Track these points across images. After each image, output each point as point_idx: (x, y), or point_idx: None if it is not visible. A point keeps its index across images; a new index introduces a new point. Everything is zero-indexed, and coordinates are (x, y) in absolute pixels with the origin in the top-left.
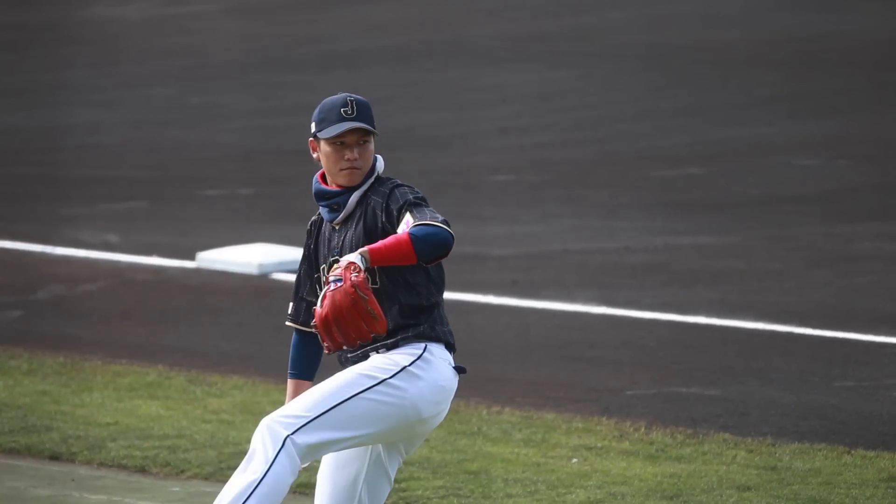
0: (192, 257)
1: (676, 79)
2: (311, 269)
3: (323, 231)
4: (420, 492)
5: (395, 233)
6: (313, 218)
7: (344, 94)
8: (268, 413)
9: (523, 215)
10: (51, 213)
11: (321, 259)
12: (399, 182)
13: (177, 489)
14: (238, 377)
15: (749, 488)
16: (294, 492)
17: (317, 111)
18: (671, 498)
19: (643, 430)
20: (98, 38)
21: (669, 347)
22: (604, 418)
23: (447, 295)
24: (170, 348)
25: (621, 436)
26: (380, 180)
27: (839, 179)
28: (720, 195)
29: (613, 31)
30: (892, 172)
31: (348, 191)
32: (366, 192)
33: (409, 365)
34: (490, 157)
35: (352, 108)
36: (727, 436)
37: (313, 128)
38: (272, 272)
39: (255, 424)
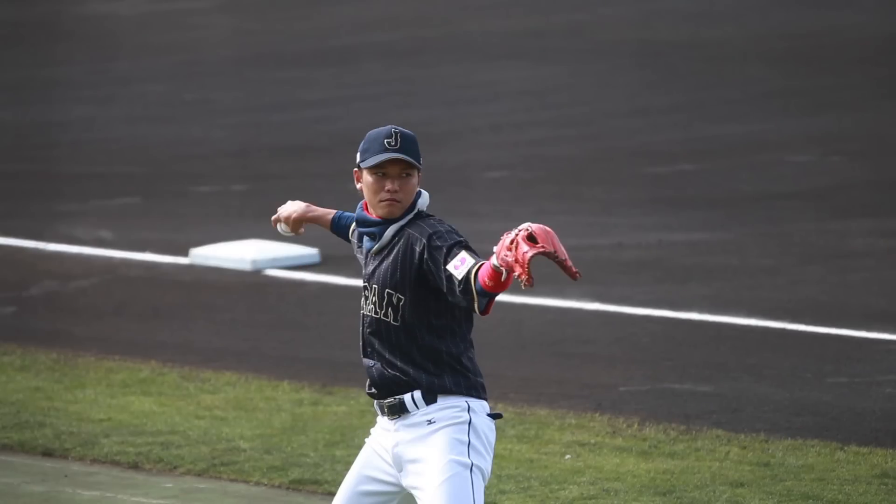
0: (185, 253)
1: (670, 75)
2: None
3: (365, 248)
4: None
5: (436, 271)
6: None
7: (389, 126)
8: (260, 409)
9: (516, 212)
10: (44, 210)
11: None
12: (440, 220)
13: (169, 485)
14: (231, 373)
15: (742, 484)
16: (287, 488)
17: (362, 142)
18: (664, 494)
19: (636, 426)
20: (92, 34)
21: (662, 344)
22: (597, 414)
23: None
24: (163, 344)
25: (614, 432)
26: (420, 215)
27: (832, 176)
28: (713, 192)
29: (607, 28)
30: (885, 169)
31: (386, 222)
32: (403, 226)
33: (469, 444)
34: (483, 154)
35: (396, 139)
36: (720, 432)
37: (357, 158)
38: (265, 268)
39: (248, 420)
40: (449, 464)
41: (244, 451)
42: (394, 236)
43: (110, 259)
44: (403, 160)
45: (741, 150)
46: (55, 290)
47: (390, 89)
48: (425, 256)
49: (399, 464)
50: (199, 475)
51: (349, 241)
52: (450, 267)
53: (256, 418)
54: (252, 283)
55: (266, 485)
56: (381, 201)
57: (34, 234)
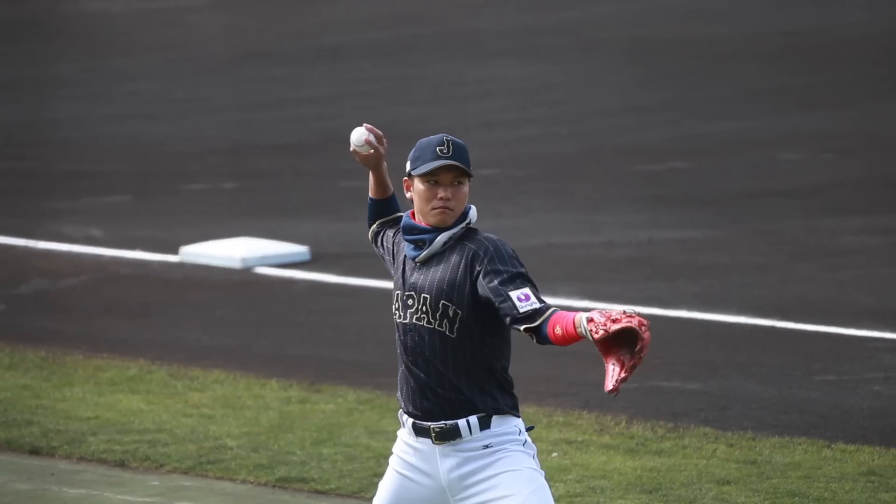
0: (175, 251)
1: (661, 73)
2: (385, 260)
3: (404, 255)
4: None
5: (493, 292)
6: (391, 231)
7: (441, 134)
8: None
9: (507, 209)
10: (34, 207)
11: (393, 281)
12: (500, 238)
13: (156, 483)
14: (219, 371)
15: (728, 482)
16: (274, 486)
17: (412, 150)
18: (651, 492)
19: (624, 424)
20: (83, 32)
21: (652, 341)
22: (584, 412)
23: None
24: (151, 342)
25: (602, 430)
26: (472, 230)
27: (824, 174)
28: (704, 189)
29: (598, 26)
30: (876, 167)
31: (437, 231)
32: (459, 237)
33: (533, 457)
34: (474, 152)
35: (448, 147)
36: (707, 430)
37: (408, 166)
38: (255, 266)
39: (236, 418)
40: (530, 473)
41: (231, 449)
42: (445, 245)
43: (100, 257)
44: (456, 167)
45: (732, 147)
46: (44, 289)
47: (382, 87)
48: (482, 276)
49: (456, 489)
50: (185, 473)
51: (373, 227)
52: (513, 295)
53: (244, 416)
54: (241, 281)
55: (252, 483)
56: (433, 209)
57: (24, 232)
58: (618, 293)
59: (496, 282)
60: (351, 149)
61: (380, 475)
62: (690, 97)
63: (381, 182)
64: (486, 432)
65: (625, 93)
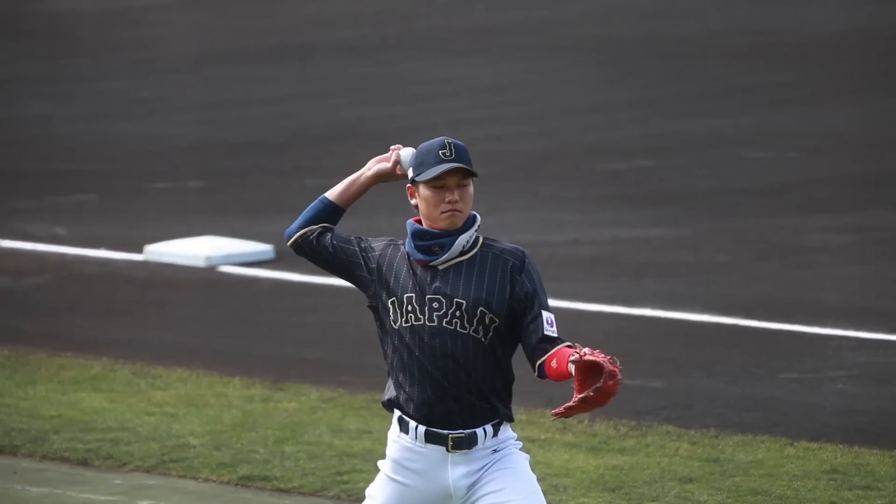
0: (139, 250)
1: (628, 72)
2: (348, 261)
3: (403, 264)
4: (363, 484)
5: (522, 309)
6: (378, 243)
7: (441, 138)
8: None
9: (472, 207)
10: None
11: (392, 287)
12: (525, 249)
13: (119, 482)
14: (182, 370)
15: (691, 480)
16: (237, 484)
17: (413, 156)
18: (613, 490)
19: (586, 422)
20: (51, 30)
21: (616, 340)
22: (547, 410)
23: None
24: (115, 341)
25: (564, 428)
26: (490, 238)
27: (789, 172)
28: (670, 188)
29: (566, 24)
30: (841, 165)
31: (452, 234)
32: (483, 244)
33: (529, 462)
34: None
35: (450, 149)
36: (670, 428)
37: (410, 173)
38: (219, 265)
39: (199, 417)
40: (530, 475)
41: (194, 447)
42: (464, 248)
43: (64, 256)
44: (462, 169)
45: (698, 146)
46: (8, 287)
47: (349, 86)
48: (519, 290)
49: (462, 494)
50: (148, 472)
51: (314, 227)
52: (545, 316)
53: (207, 415)
54: (206, 279)
55: (215, 481)
56: (442, 213)
57: None
58: (582, 291)
59: (532, 300)
60: (396, 168)
61: (342, 473)
62: (657, 96)
63: (359, 196)
64: (495, 439)
65: (591, 91)
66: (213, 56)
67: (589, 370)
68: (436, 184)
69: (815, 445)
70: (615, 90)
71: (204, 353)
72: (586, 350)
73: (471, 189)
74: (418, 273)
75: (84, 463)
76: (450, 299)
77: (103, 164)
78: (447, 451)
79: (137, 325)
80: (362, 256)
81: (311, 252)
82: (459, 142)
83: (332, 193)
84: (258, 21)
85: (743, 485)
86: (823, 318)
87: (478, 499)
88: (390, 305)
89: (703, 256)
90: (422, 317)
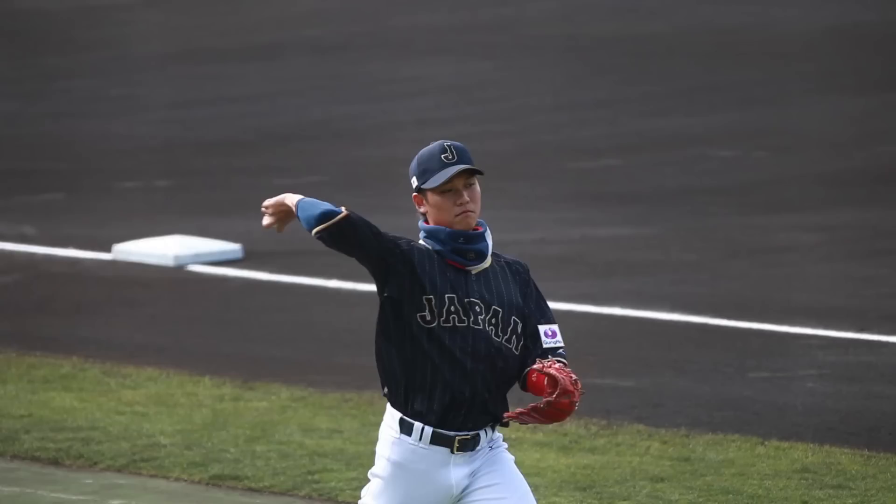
0: (108, 249)
1: (595, 70)
2: (386, 249)
3: (434, 263)
4: (333, 483)
5: (528, 318)
6: (401, 238)
7: (439, 142)
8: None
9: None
10: None
11: (430, 284)
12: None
13: (90, 481)
14: (152, 369)
15: (662, 479)
16: (208, 484)
17: (414, 165)
18: (584, 489)
19: None
20: (17, 29)
21: (585, 339)
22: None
23: (366, 287)
24: (85, 340)
25: (535, 427)
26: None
27: (757, 171)
28: (638, 186)
29: (533, 23)
30: (809, 164)
31: (482, 239)
32: (492, 252)
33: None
34: (408, 149)
35: (451, 152)
36: (641, 427)
37: (415, 182)
38: (188, 264)
39: (169, 416)
40: (523, 479)
41: (164, 446)
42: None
43: (33, 255)
44: (468, 170)
45: (666, 144)
46: None
47: (316, 84)
48: (527, 300)
49: (461, 490)
50: (119, 471)
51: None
52: (542, 329)
53: (177, 414)
54: (174, 278)
55: (186, 480)
56: (457, 216)
57: None
58: (551, 291)
59: (535, 311)
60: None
61: (313, 472)
62: (625, 94)
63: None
64: (491, 438)
65: (559, 90)
66: (181, 55)
67: (551, 383)
68: (444, 188)
69: (785, 444)
70: (582, 89)
71: (174, 353)
72: (556, 364)
73: (478, 187)
74: (451, 275)
75: (55, 462)
76: (488, 305)
77: (71, 164)
78: (451, 452)
79: (107, 324)
80: (398, 246)
81: (356, 229)
82: (458, 143)
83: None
84: (225, 20)
85: (714, 484)
86: (793, 316)
87: (474, 492)
88: (425, 303)
89: (671, 255)
90: (466, 319)
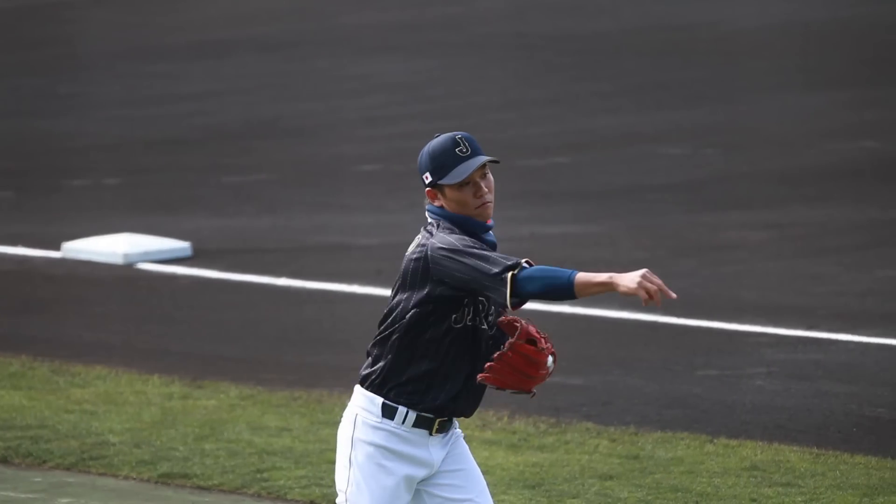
0: (57, 247)
1: (544, 68)
2: None
3: None
4: (282, 482)
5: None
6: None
7: (450, 135)
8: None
9: (389, 204)
10: None
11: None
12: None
13: (38, 479)
14: (101, 367)
15: (611, 477)
16: (156, 482)
17: (427, 160)
18: (533, 487)
19: (506, 419)
20: None
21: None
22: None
23: (315, 285)
24: (33, 338)
25: (484, 425)
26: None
27: (705, 169)
28: (586, 184)
29: (481, 20)
30: (758, 161)
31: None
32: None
33: None
34: (357, 147)
35: (465, 145)
36: (590, 425)
37: (429, 178)
38: (137, 262)
39: (118, 414)
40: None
41: (113, 445)
42: None
43: None
44: (487, 161)
45: (614, 142)
46: None
47: (265, 82)
48: None
49: (434, 470)
50: (68, 469)
51: None
52: None
53: (126, 412)
54: (124, 276)
55: (135, 479)
56: (477, 208)
57: None
58: None
59: None
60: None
61: (262, 470)
62: (573, 92)
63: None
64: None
65: (507, 88)
66: (129, 53)
67: (510, 328)
68: (465, 182)
69: (734, 442)
70: (530, 87)
71: (123, 351)
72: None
73: (491, 176)
74: None
75: (3, 461)
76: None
77: (20, 162)
78: (430, 434)
79: (56, 322)
80: None
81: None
82: (466, 133)
83: (582, 276)
84: (173, 18)
85: (663, 482)
86: (742, 314)
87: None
88: (475, 305)
89: (620, 253)
90: (487, 321)
